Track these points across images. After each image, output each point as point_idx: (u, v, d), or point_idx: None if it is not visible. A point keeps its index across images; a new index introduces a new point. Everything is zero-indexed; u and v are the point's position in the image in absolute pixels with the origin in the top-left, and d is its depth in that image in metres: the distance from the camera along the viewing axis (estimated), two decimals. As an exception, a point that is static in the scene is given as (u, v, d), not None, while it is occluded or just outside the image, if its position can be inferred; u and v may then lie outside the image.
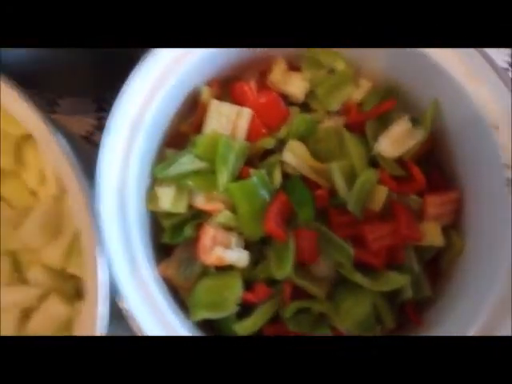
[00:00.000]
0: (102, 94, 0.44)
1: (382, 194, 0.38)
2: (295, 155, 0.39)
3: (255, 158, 0.40)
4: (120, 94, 0.33)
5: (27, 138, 0.37)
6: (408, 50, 0.38)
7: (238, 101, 0.40)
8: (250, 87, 0.40)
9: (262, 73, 0.42)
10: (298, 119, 0.40)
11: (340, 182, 0.38)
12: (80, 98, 0.38)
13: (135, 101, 0.34)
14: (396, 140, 0.40)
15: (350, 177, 0.39)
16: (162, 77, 0.35)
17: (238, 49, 0.39)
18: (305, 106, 0.42)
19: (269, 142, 0.39)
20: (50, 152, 0.34)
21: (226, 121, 0.39)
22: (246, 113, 0.39)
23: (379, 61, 0.42)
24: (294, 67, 0.42)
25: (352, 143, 0.40)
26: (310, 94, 0.42)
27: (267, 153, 0.40)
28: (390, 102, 0.41)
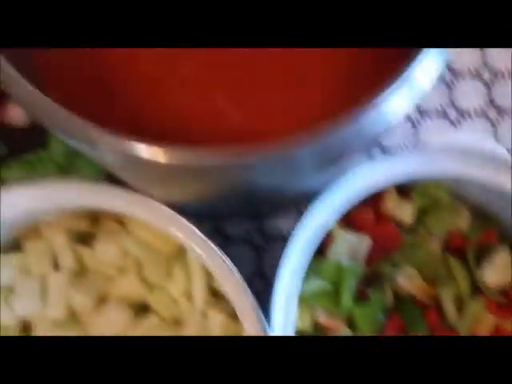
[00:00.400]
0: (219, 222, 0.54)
1: (489, 322, 0.43)
2: (409, 279, 0.44)
3: (371, 279, 0.45)
4: (290, 243, 0.39)
5: (175, 253, 0.43)
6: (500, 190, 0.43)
7: (357, 227, 0.45)
8: (368, 216, 0.46)
9: (376, 201, 0.47)
10: (411, 246, 0.45)
11: (450, 309, 0.43)
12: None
13: (298, 248, 0.39)
14: (498, 270, 0.45)
15: (457, 299, 0.44)
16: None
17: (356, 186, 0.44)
18: (412, 230, 0.47)
19: (384, 266, 0.44)
20: (215, 266, 0.38)
21: (349, 247, 0.44)
22: (366, 240, 0.44)
23: (477, 195, 0.46)
24: (403, 195, 0.47)
25: (458, 269, 0.44)
26: (418, 220, 0.47)
27: (381, 273, 0.45)
28: (492, 233, 0.46)
